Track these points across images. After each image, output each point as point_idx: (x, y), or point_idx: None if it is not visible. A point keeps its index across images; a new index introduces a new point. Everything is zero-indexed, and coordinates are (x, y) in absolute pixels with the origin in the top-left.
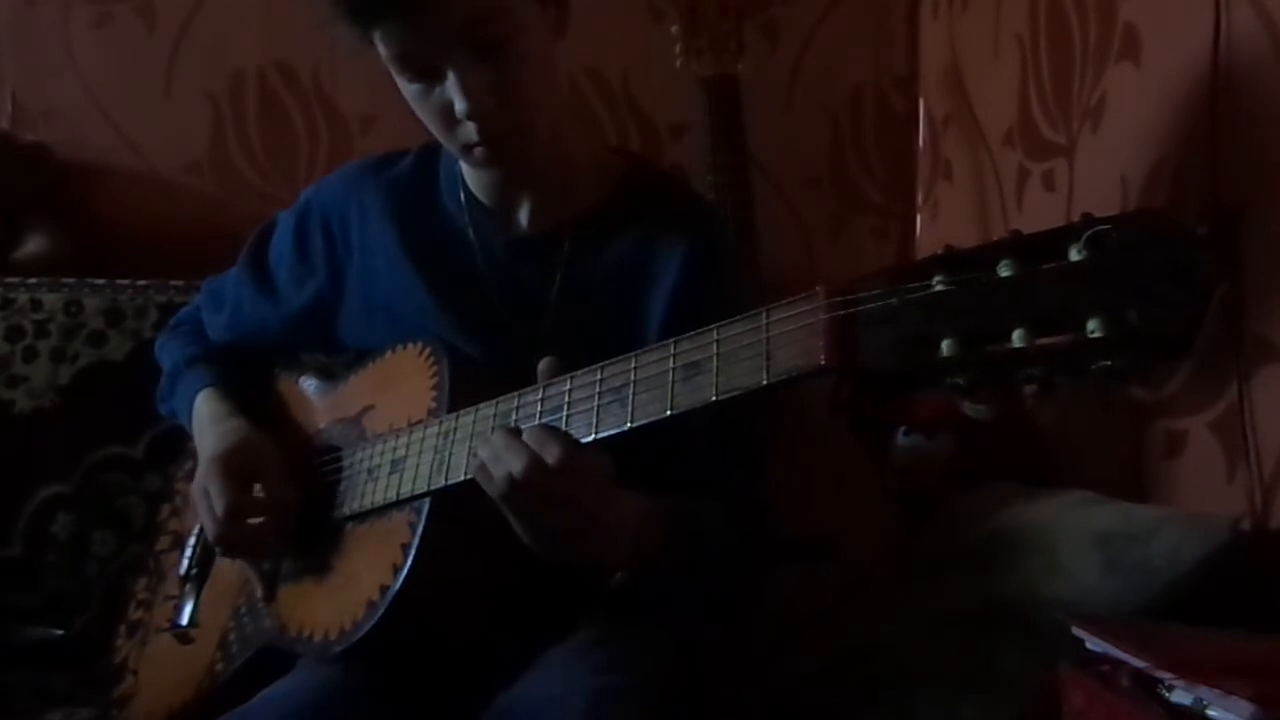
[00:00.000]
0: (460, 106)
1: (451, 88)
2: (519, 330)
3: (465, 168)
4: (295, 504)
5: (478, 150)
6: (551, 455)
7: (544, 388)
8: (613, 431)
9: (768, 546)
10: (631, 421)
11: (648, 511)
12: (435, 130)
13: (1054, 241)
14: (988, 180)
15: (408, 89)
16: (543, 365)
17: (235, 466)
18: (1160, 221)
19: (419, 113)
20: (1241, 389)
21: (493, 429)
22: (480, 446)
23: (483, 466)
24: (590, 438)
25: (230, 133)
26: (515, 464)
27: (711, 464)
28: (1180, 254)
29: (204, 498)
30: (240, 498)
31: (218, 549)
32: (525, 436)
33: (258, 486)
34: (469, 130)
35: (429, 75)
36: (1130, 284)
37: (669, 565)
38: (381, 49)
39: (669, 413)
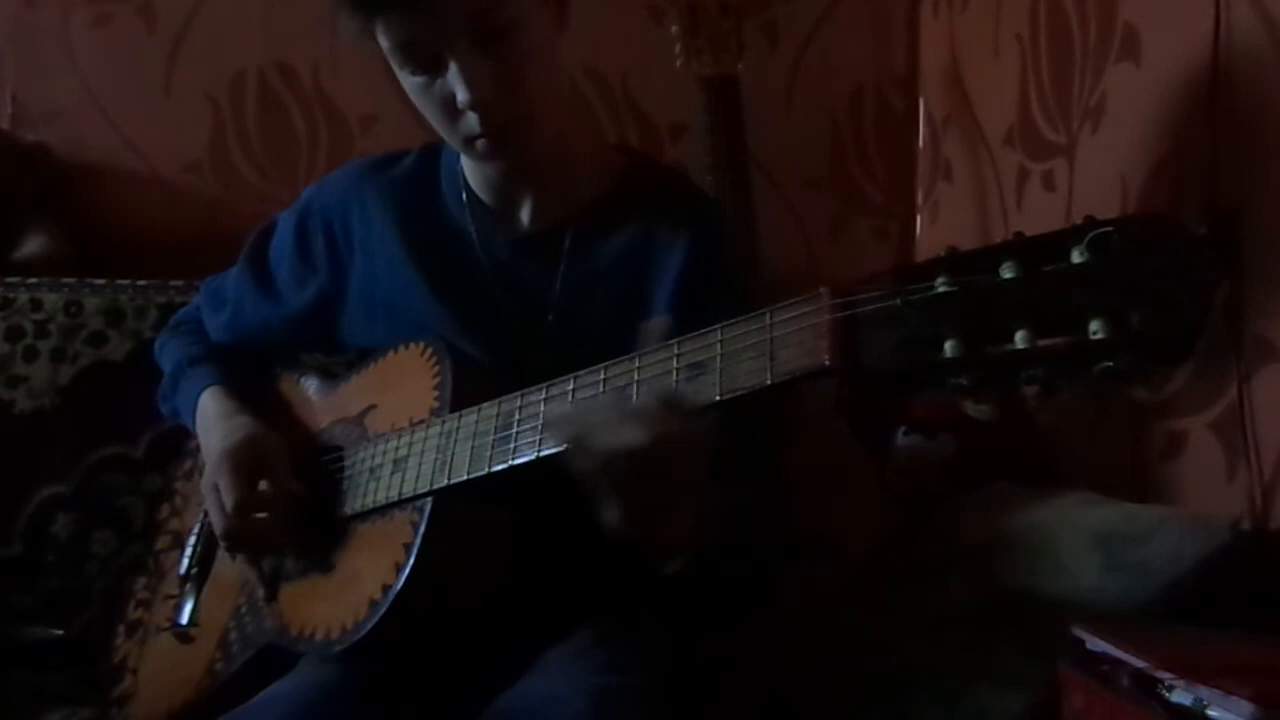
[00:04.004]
0: (462, 96)
1: (454, 78)
2: (521, 329)
3: (467, 166)
4: (303, 496)
5: (480, 143)
6: (677, 426)
7: (547, 388)
8: None
9: (784, 545)
10: None
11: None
12: (437, 123)
13: (1057, 243)
14: (988, 180)
15: (409, 82)
16: (652, 323)
17: (244, 461)
18: (1163, 223)
19: (420, 106)
20: (1241, 389)
21: (567, 399)
22: (575, 418)
23: (577, 437)
24: None
25: (230, 133)
26: (629, 434)
27: (726, 463)
28: (1182, 256)
29: (213, 493)
30: (250, 492)
31: (225, 543)
32: (642, 405)
33: (264, 482)
34: (471, 121)
35: (431, 67)
36: (1132, 286)
37: (714, 552)
38: (383, 40)
39: None
